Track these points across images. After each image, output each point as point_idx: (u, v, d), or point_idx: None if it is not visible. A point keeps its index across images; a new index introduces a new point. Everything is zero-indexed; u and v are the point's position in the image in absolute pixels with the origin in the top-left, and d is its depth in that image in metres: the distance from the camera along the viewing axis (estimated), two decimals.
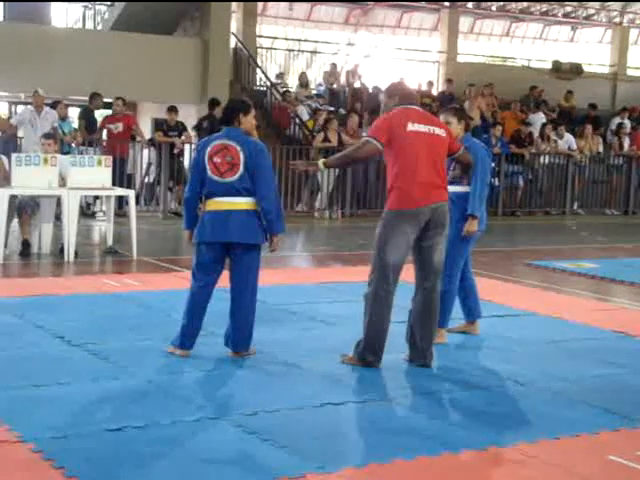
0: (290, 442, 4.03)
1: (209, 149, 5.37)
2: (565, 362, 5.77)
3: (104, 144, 13.47)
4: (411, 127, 5.28)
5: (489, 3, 21.85)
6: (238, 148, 5.31)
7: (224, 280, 5.50)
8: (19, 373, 4.98)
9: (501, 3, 21.84)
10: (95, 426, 4.12)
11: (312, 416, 4.46)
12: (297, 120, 16.25)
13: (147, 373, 5.06)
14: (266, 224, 5.37)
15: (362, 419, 4.53)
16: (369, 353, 5.34)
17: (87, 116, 13.91)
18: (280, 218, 5.42)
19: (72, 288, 7.60)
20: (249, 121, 5.45)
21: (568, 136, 17.03)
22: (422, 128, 5.31)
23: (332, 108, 16.89)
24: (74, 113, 15.43)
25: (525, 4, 22.05)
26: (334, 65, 18.89)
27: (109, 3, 17.96)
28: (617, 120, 18.68)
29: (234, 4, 17.79)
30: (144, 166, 14.27)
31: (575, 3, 21.97)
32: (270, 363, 5.41)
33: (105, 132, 13.72)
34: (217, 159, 5.32)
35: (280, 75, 18.82)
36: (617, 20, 23.29)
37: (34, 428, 4.05)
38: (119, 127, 13.51)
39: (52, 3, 17.61)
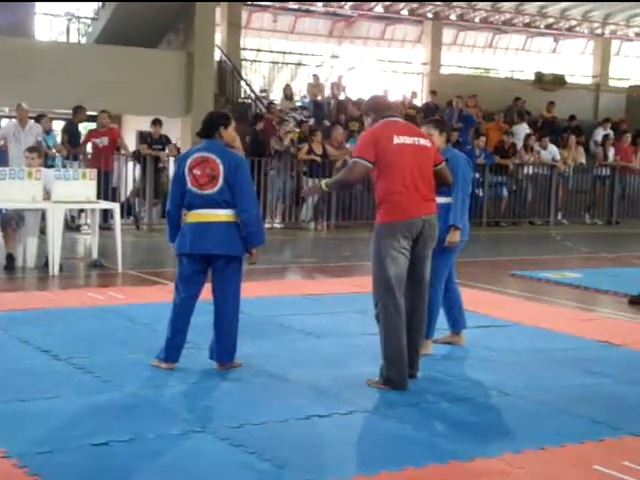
0: (276, 454, 4.02)
1: (189, 161, 5.38)
2: (550, 372, 5.79)
3: (89, 157, 13.45)
4: (397, 140, 5.21)
5: (472, 15, 21.96)
6: (218, 160, 5.31)
7: (209, 293, 5.50)
8: (4, 387, 4.95)
9: (484, 15, 21.96)
10: (80, 440, 4.10)
11: (298, 428, 4.46)
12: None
13: (132, 387, 5.05)
14: (246, 236, 5.36)
15: (348, 431, 4.52)
16: (394, 373, 5.17)
17: (70, 130, 13.87)
18: (260, 230, 5.43)
19: (57, 302, 7.57)
20: (230, 134, 5.47)
21: (552, 147, 17.14)
22: (407, 140, 5.25)
23: (298, 117, 16.87)
24: (58, 126, 15.40)
25: (508, 15, 22.19)
26: (317, 77, 18.95)
27: (93, 15, 17.94)
28: (602, 131, 18.78)
29: (218, 16, 17.81)
30: (129, 179, 14.23)
31: (557, 15, 22.11)
32: (256, 375, 5.40)
33: (90, 146, 13.69)
34: (197, 171, 5.33)
35: (264, 90, 18.87)
36: (599, 31, 23.47)
37: (19, 443, 4.03)
38: (104, 141, 13.46)
39: (36, 17, 17.58)
